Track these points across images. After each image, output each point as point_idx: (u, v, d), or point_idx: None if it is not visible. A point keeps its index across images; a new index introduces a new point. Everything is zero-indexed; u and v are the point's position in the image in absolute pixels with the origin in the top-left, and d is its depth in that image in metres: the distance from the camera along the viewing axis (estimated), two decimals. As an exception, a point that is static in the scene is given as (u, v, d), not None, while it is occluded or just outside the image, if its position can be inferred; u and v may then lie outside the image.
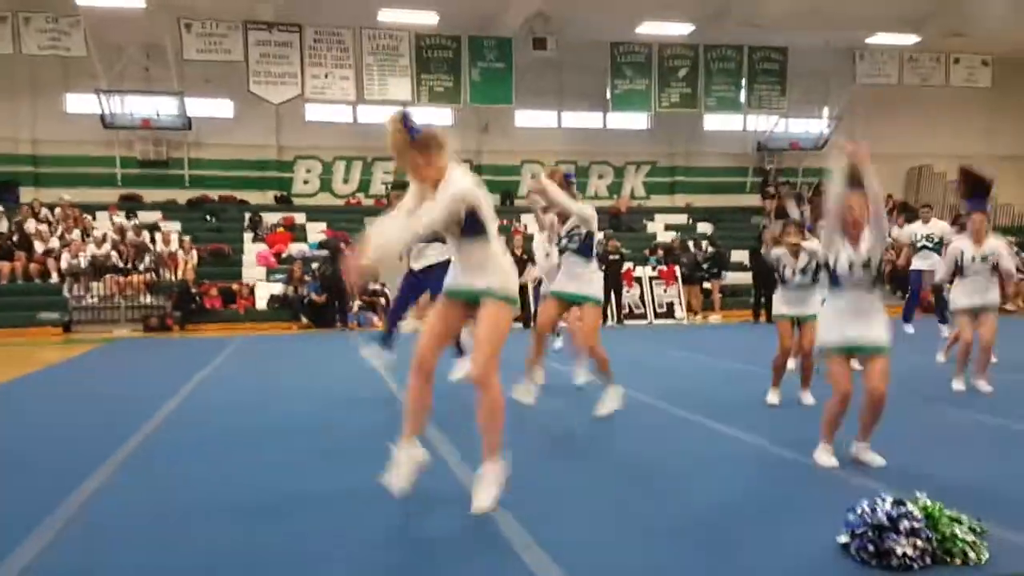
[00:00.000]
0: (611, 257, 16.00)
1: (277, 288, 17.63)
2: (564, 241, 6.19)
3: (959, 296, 7.21)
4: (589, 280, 6.13)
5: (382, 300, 17.55)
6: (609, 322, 15.44)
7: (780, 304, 6.53)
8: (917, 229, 11.07)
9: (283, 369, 10.20)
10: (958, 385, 7.07)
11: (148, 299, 16.91)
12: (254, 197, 21.14)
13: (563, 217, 6.22)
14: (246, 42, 19.04)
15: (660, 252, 18.96)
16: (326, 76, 19.66)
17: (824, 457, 4.58)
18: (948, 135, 22.95)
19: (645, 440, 5.54)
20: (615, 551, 3.33)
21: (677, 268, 18.01)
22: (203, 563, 3.24)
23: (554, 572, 3.07)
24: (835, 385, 4.56)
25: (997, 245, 7.16)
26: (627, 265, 17.37)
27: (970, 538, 3.11)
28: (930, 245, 10.66)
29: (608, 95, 21.11)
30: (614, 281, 16.08)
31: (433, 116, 21.55)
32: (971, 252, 7.10)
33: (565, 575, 3.05)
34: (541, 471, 4.60)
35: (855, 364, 5.18)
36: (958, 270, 7.21)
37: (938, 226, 10.96)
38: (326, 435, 5.77)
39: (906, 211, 20.71)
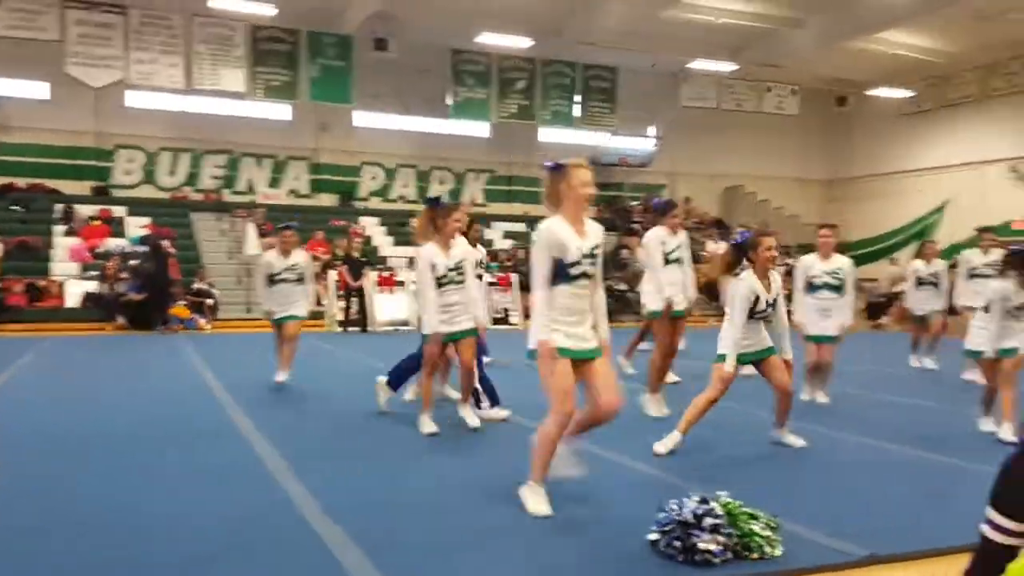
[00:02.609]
0: None
1: (91, 286, 16.52)
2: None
3: (810, 323, 7.20)
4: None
5: (208, 300, 16.85)
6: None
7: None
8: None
9: (95, 374, 9.62)
10: (804, 396, 7.35)
11: (-61, 294, 15.39)
12: (68, 187, 19.65)
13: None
14: (63, 21, 17.73)
15: (500, 259, 19.34)
16: (152, 61, 18.62)
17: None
18: (761, 158, 24.87)
19: (477, 452, 5.71)
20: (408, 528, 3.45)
21: (515, 276, 18.40)
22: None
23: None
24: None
25: (845, 262, 7.30)
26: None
27: (766, 533, 3.43)
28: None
29: (448, 101, 21.32)
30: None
31: (270, 111, 21.01)
32: (820, 267, 7.22)
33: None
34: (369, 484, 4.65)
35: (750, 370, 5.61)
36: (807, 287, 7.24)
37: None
38: (137, 445, 5.54)
39: (719, 228, 22.27)
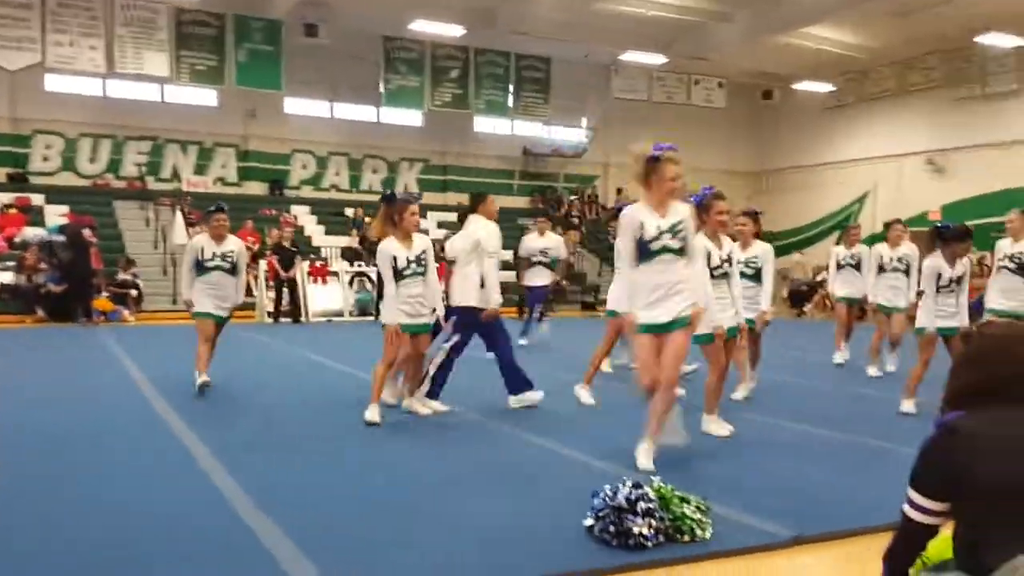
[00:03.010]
0: None
1: (8, 277, 15.86)
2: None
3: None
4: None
5: (132, 291, 16.37)
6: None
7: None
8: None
9: (12, 369, 9.27)
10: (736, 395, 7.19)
11: None
12: (-19, 174, 18.85)
13: None
14: (-27, 0, 16.94)
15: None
16: (71, 44, 17.93)
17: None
18: (691, 150, 25.08)
19: (414, 439, 5.70)
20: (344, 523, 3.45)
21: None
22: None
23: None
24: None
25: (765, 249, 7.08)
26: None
27: (697, 516, 3.52)
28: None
29: (381, 89, 21.10)
30: None
31: (195, 96, 20.45)
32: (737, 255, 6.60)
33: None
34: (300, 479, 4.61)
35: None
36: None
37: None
38: (58, 443, 5.37)
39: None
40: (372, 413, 5.88)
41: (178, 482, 4.38)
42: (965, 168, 20.61)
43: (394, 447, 5.37)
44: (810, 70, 22.91)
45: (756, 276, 6.94)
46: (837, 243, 11.54)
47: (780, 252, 8.59)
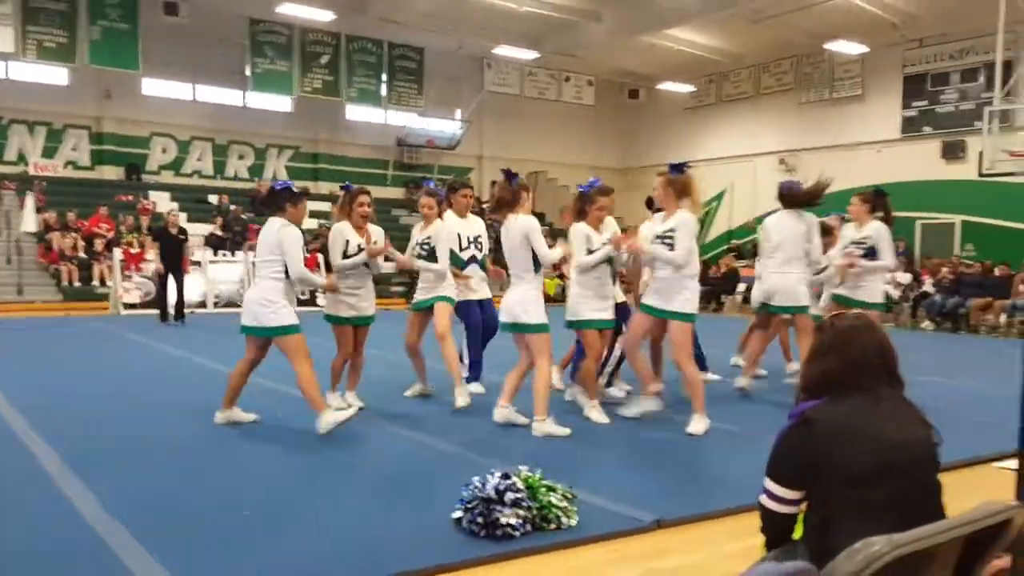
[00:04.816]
0: None
1: None
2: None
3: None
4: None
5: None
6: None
7: None
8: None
9: None
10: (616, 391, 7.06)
11: None
12: None
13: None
14: None
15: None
16: None
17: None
18: (561, 145, 25.82)
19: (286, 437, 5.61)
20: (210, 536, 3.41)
21: (320, 256, 17.94)
22: None
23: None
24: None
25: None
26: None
27: (563, 504, 3.64)
28: None
29: (248, 73, 20.41)
30: None
31: (44, 74, 19.15)
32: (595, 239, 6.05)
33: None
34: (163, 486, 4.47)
35: None
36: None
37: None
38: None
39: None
40: (333, 417, 5.33)
41: (25, 491, 4.14)
42: (814, 168, 21.71)
43: (253, 449, 5.24)
44: (673, 71, 23.81)
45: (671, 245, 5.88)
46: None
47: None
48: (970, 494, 2.38)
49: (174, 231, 13.75)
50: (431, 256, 6.49)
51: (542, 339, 5.54)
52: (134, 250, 16.33)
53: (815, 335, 2.48)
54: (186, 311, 14.10)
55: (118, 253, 16.03)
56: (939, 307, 15.75)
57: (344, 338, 6.20)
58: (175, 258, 13.55)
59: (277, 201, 5.54)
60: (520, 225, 5.53)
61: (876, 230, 7.19)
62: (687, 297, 5.71)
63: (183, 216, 19.51)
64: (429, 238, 6.56)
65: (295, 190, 5.72)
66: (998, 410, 6.07)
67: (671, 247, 5.65)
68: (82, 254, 17.07)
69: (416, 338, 6.68)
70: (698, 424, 5.64)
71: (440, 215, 6.68)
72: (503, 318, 5.66)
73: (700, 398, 5.69)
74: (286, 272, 5.42)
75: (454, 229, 6.72)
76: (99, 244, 17.16)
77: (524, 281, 5.59)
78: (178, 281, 13.73)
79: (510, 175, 5.71)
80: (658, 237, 5.75)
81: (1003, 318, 14.98)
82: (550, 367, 5.65)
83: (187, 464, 4.75)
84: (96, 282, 16.79)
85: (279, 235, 5.39)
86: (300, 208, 5.53)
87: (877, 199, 7.43)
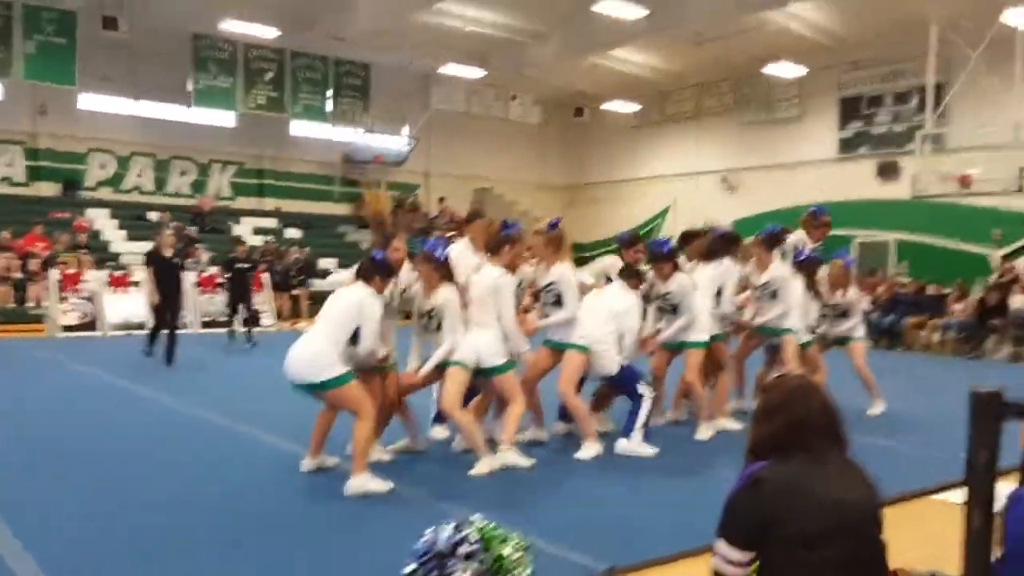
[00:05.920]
0: (238, 265, 13.62)
1: None
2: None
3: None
4: None
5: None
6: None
7: None
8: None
9: None
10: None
11: None
12: None
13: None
14: None
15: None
16: None
17: None
18: (508, 162, 25.95)
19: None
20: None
21: (267, 275, 17.70)
22: None
23: None
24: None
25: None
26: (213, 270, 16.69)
27: (517, 555, 3.54)
28: None
29: (190, 88, 20.06)
30: (244, 289, 13.66)
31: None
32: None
33: None
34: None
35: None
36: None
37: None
38: None
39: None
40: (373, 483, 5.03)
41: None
42: (755, 187, 22.46)
43: (163, 472, 5.13)
44: (617, 90, 24.14)
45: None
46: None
47: (588, 263, 8.65)
48: (910, 528, 2.45)
49: (169, 254, 11.22)
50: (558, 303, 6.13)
51: (508, 378, 5.71)
52: (71, 270, 15.90)
53: (760, 396, 2.50)
54: (124, 332, 13.47)
55: (55, 273, 15.58)
56: (876, 326, 16.21)
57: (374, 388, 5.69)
58: (171, 286, 11.03)
59: (371, 272, 5.35)
60: (493, 281, 5.66)
61: (774, 275, 7.21)
62: (581, 333, 6.11)
63: (122, 234, 19.20)
64: (553, 283, 6.16)
65: (392, 266, 5.58)
66: (938, 435, 6.25)
67: (557, 298, 6.11)
68: (16, 274, 16.53)
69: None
70: (588, 450, 6.00)
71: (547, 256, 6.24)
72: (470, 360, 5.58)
73: (588, 425, 6.11)
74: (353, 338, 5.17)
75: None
76: (34, 264, 16.65)
77: (489, 327, 5.63)
78: (172, 314, 11.13)
79: (506, 225, 5.89)
80: (541, 290, 6.26)
81: (936, 336, 15.49)
82: (523, 401, 5.78)
83: (100, 482, 4.63)
84: (31, 303, 16.27)
85: (363, 303, 5.17)
86: (385, 285, 5.43)
87: (774, 239, 7.37)
